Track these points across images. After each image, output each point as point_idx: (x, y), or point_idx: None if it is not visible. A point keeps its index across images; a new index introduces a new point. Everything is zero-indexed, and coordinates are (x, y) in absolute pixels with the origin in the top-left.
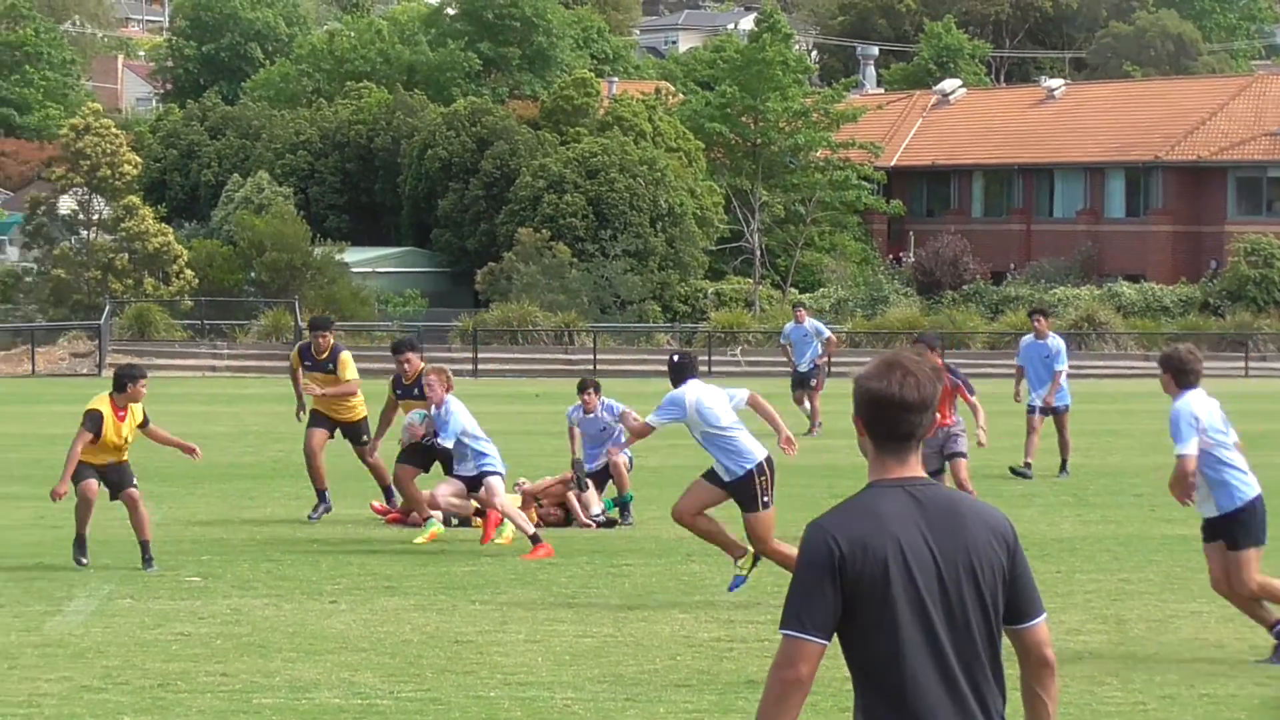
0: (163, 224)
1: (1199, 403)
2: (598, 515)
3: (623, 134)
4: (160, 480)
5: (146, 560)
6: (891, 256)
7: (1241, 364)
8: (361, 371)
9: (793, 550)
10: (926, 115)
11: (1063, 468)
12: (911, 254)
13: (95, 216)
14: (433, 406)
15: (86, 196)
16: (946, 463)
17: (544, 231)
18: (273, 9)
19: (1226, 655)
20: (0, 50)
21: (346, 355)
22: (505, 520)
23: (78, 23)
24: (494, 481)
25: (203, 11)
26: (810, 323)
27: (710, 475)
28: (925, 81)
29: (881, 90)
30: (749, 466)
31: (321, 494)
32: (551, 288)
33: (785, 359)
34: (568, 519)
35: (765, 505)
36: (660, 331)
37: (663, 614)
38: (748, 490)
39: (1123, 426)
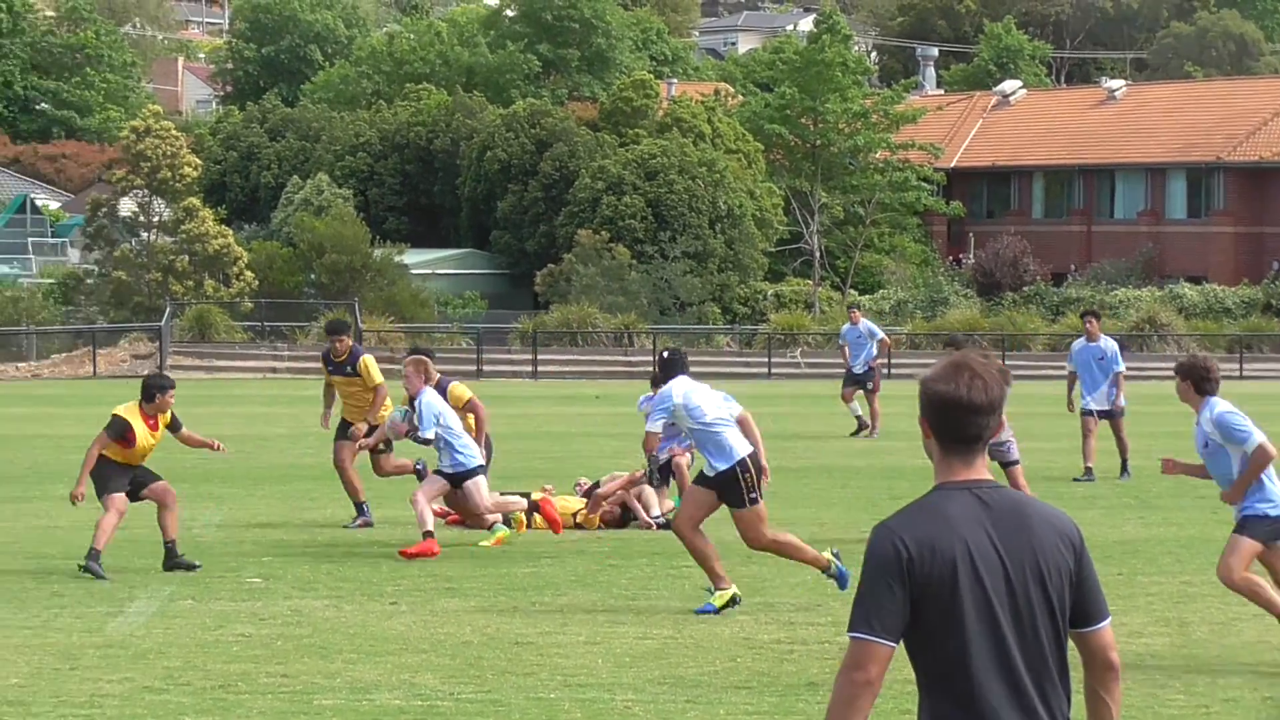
0: (223, 226)
1: (1230, 405)
2: (658, 517)
3: (682, 135)
4: (221, 482)
5: (172, 563)
6: (951, 258)
7: None
8: None
9: (789, 536)
10: (987, 116)
11: (1123, 470)
12: (971, 255)
13: (156, 218)
14: (409, 398)
15: (147, 198)
16: (1004, 470)
17: (603, 233)
18: (332, 11)
19: None
20: (61, 53)
21: (368, 359)
22: (495, 523)
23: (138, 25)
24: (476, 483)
25: (263, 14)
26: (865, 324)
27: (701, 478)
28: (985, 82)
29: (941, 91)
30: (732, 462)
31: (359, 506)
32: (611, 289)
33: (844, 360)
34: (624, 519)
35: (753, 501)
36: (720, 333)
37: (723, 616)
38: (734, 487)
39: (1184, 428)
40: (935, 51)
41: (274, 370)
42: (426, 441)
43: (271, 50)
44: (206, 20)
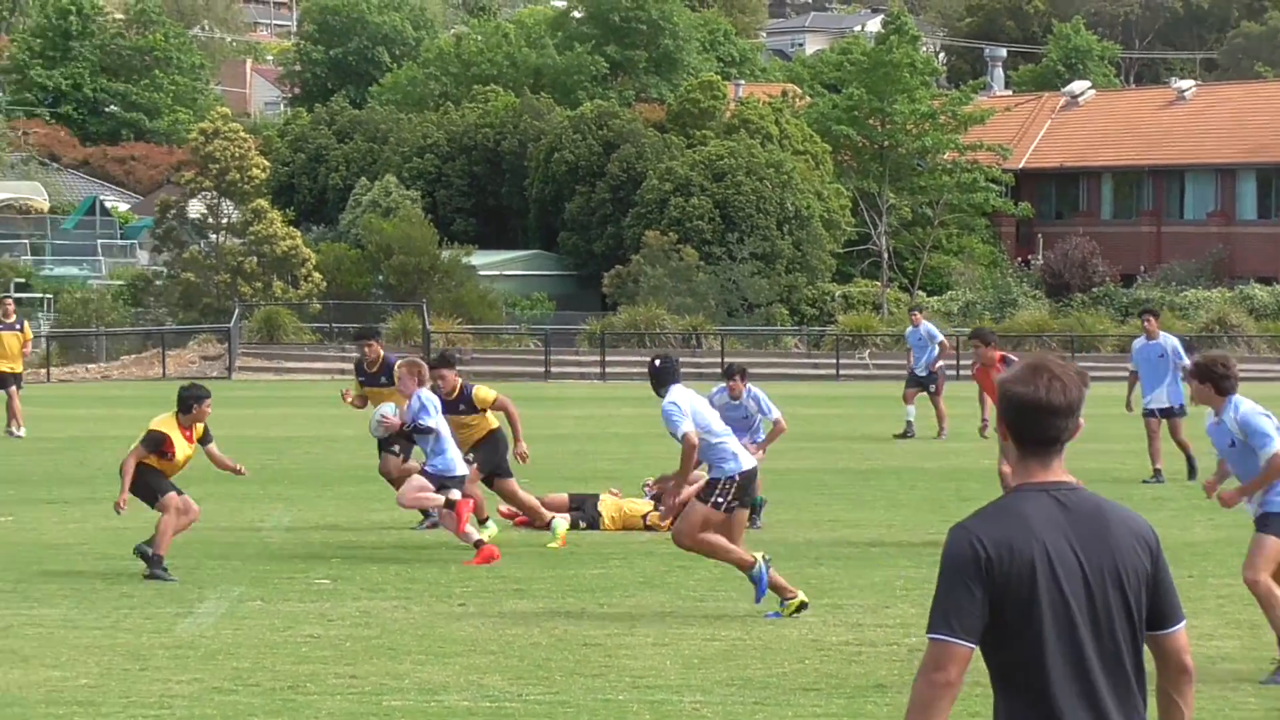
0: (291, 227)
1: (1255, 404)
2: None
3: (749, 137)
4: (290, 483)
5: (147, 562)
6: (1020, 259)
7: None
8: (488, 376)
9: (710, 539)
10: (1055, 117)
11: (1190, 472)
12: (1040, 256)
13: (224, 220)
14: (406, 399)
15: (215, 200)
16: None
17: (671, 234)
18: (400, 13)
19: None
20: (130, 55)
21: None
22: (555, 522)
23: (206, 27)
24: (456, 494)
25: (330, 16)
26: (925, 326)
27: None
28: (1054, 83)
29: (1009, 92)
30: (720, 475)
31: (424, 511)
32: (679, 290)
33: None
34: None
35: (716, 506)
36: (788, 335)
37: (791, 617)
38: (712, 486)
39: None
40: (1003, 52)
41: (342, 371)
42: (427, 431)
43: (339, 52)
44: (275, 22)
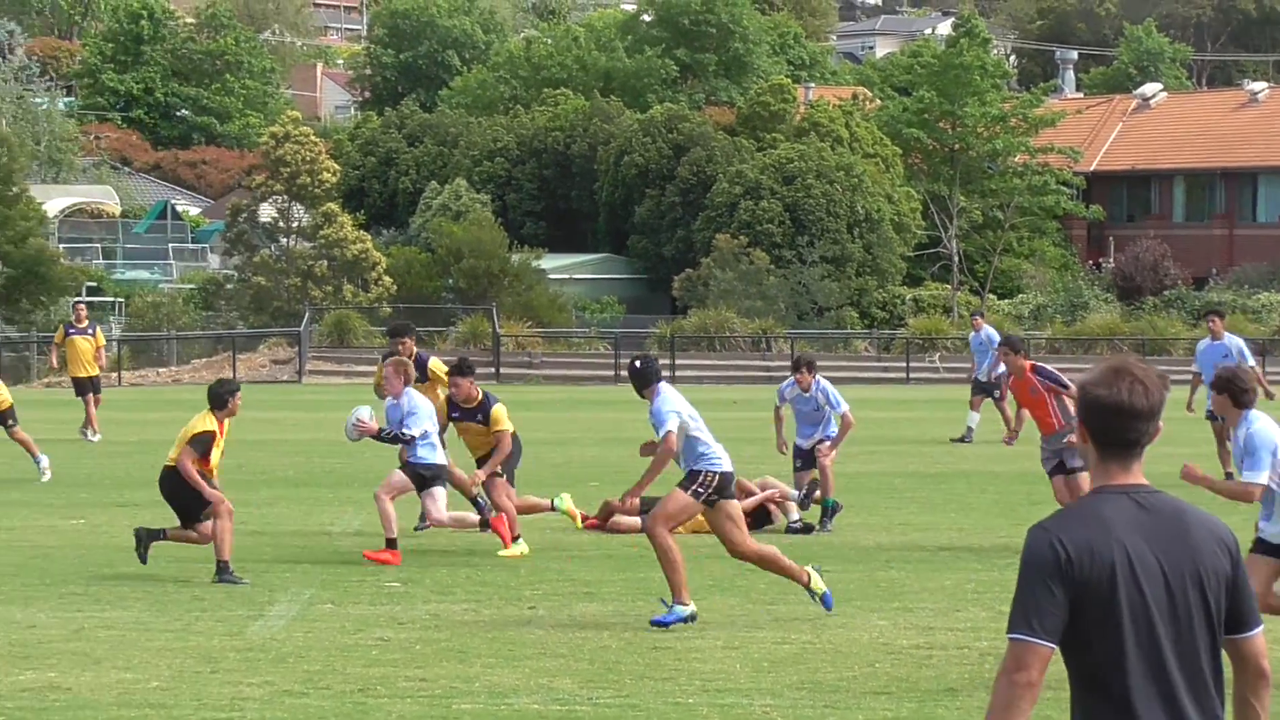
0: (361, 231)
1: (1275, 428)
2: (795, 521)
3: (819, 140)
4: (361, 486)
5: (144, 550)
6: (1091, 262)
7: None
8: (558, 379)
9: (674, 546)
10: (1126, 120)
11: None
12: (1111, 259)
13: (295, 224)
14: (390, 399)
15: (286, 204)
16: (1066, 479)
17: (741, 238)
18: (470, 16)
19: None
20: (201, 59)
21: (437, 363)
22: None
23: (277, 31)
24: (438, 492)
25: (401, 20)
26: (986, 331)
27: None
28: (1125, 86)
29: (1081, 95)
30: (704, 468)
31: (475, 503)
32: (749, 294)
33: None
34: (757, 523)
35: (695, 496)
36: (858, 338)
37: (861, 620)
38: (693, 478)
39: None
40: (1075, 55)
41: None
42: (406, 440)
43: (410, 56)
44: (345, 26)
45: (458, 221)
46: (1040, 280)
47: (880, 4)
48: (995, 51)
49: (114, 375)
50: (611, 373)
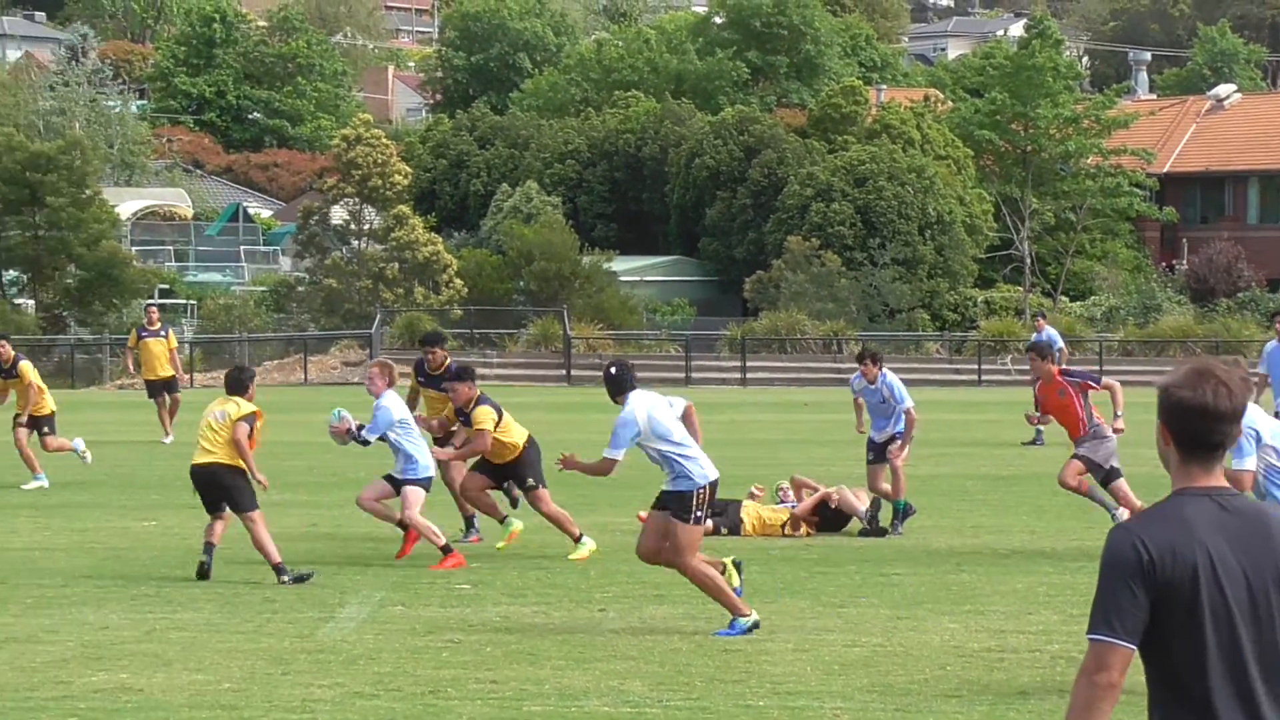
0: (432, 233)
1: (1260, 417)
2: (865, 510)
3: (891, 142)
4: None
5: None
6: (1164, 264)
7: None
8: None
9: (714, 573)
10: (1200, 121)
11: None
12: (1184, 261)
13: (366, 226)
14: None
15: (357, 206)
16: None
17: (812, 240)
18: (541, 19)
19: None
20: (273, 62)
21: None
22: (509, 525)
23: (349, 35)
24: (413, 493)
25: (472, 22)
26: (1048, 332)
27: (657, 499)
28: (1199, 87)
29: (1154, 96)
30: (691, 488)
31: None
32: (820, 296)
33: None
34: (836, 521)
35: (697, 521)
36: (929, 340)
37: (932, 623)
38: (684, 502)
39: None
40: (1148, 56)
41: (483, 377)
42: (366, 443)
43: (481, 58)
44: (416, 29)
45: (529, 224)
46: (1113, 282)
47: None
48: (1068, 53)
49: (186, 377)
50: (682, 375)
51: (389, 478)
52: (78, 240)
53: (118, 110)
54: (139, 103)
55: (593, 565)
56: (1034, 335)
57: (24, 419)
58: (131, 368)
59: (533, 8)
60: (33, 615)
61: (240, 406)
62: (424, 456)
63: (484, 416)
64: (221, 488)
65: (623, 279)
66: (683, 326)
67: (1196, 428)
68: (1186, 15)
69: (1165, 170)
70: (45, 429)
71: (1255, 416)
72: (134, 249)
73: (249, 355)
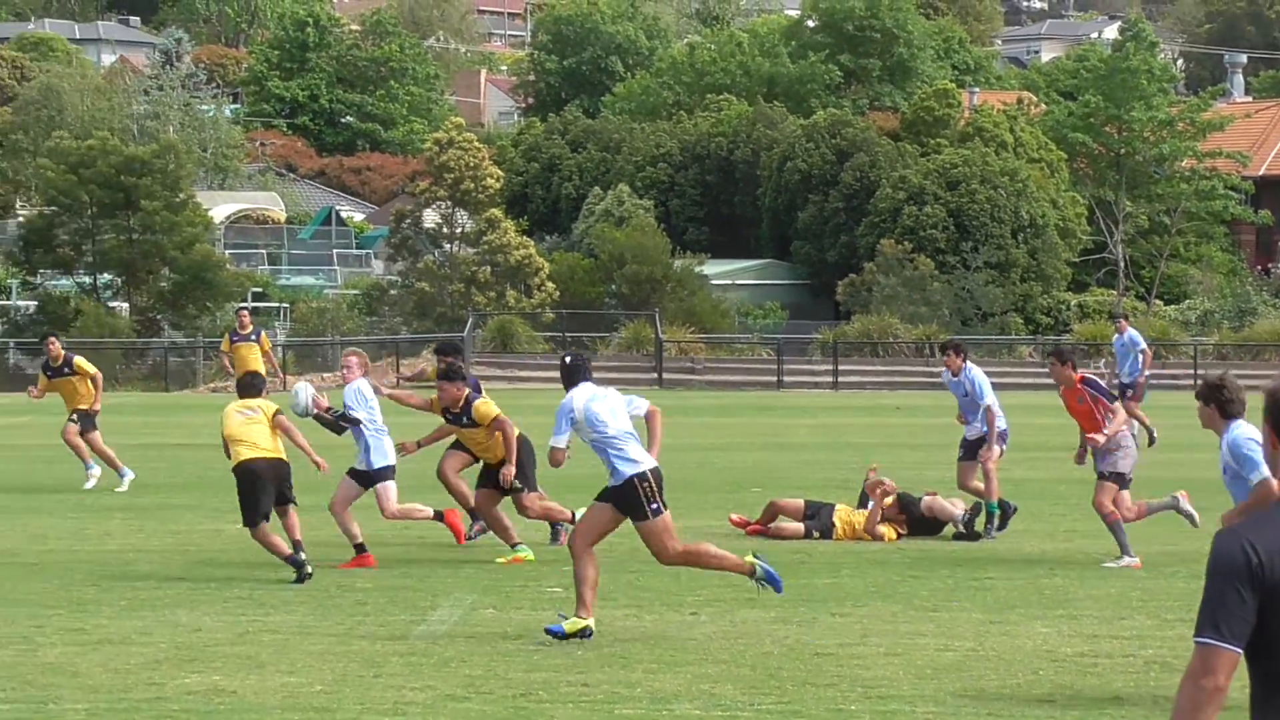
0: (524, 237)
1: (1253, 430)
2: (962, 515)
3: (984, 145)
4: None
5: (297, 563)
6: (1260, 267)
7: None
8: (720, 385)
9: (703, 545)
10: None
11: None
12: None
13: (458, 230)
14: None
15: (449, 210)
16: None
17: (905, 243)
18: (633, 23)
19: None
20: (366, 66)
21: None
22: (519, 549)
23: (441, 38)
24: (383, 489)
25: (564, 26)
26: (1130, 334)
27: (601, 493)
28: None
29: (1250, 99)
30: (630, 474)
31: (472, 514)
32: (912, 299)
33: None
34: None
35: (654, 513)
36: (1022, 344)
37: (1025, 628)
38: (631, 497)
39: None
40: (1243, 58)
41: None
42: (354, 422)
43: (573, 62)
44: (509, 33)
45: (620, 227)
46: (1207, 286)
47: (1046, 8)
48: (1162, 55)
49: (278, 381)
50: (774, 379)
51: (353, 473)
52: (171, 244)
53: (211, 114)
54: (232, 107)
55: (684, 569)
56: (1115, 338)
57: (78, 416)
58: (230, 369)
59: (625, 11)
60: (126, 617)
61: (267, 409)
62: (386, 446)
63: (489, 407)
64: (285, 479)
65: (714, 282)
66: (774, 330)
67: None
68: None
69: (1261, 173)
70: (89, 426)
71: (1247, 429)
72: (227, 252)
73: (341, 359)
